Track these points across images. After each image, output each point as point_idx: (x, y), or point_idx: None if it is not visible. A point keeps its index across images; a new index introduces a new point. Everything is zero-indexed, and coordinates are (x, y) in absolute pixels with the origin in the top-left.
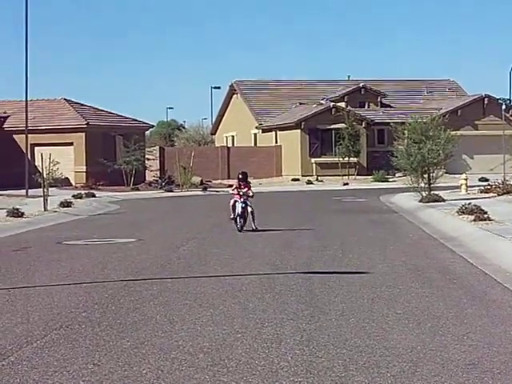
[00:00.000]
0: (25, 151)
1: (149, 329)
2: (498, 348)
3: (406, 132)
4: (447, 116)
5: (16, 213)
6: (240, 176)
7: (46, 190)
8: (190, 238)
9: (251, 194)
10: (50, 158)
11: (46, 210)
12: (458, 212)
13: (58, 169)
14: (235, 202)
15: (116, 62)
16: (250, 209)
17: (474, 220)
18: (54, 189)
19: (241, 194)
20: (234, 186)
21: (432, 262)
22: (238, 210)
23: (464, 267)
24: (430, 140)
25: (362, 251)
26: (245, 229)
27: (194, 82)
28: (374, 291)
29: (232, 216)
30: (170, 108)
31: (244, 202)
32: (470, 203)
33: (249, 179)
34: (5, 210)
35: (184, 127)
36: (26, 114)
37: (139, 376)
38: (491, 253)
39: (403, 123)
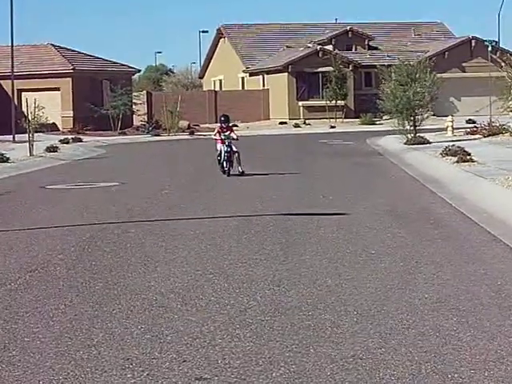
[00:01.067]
0: (11, 97)
1: (123, 271)
2: (467, 286)
3: (392, 74)
4: (434, 58)
5: (1, 158)
6: (222, 119)
7: (31, 136)
8: (173, 182)
9: (235, 136)
10: (35, 103)
11: (31, 155)
12: (441, 154)
13: (43, 114)
14: (220, 147)
15: (104, 6)
16: (235, 152)
17: (457, 161)
18: (41, 134)
19: (223, 138)
20: (216, 131)
21: (411, 203)
22: (223, 154)
23: (442, 208)
24: (416, 82)
25: (342, 193)
26: (231, 173)
27: (182, 26)
28: (351, 231)
29: (218, 159)
30: (158, 52)
31: (228, 146)
32: (453, 145)
33: (234, 122)
34: None
35: (173, 72)
36: (12, 60)
37: (109, 315)
38: (471, 194)
39: (390, 66)
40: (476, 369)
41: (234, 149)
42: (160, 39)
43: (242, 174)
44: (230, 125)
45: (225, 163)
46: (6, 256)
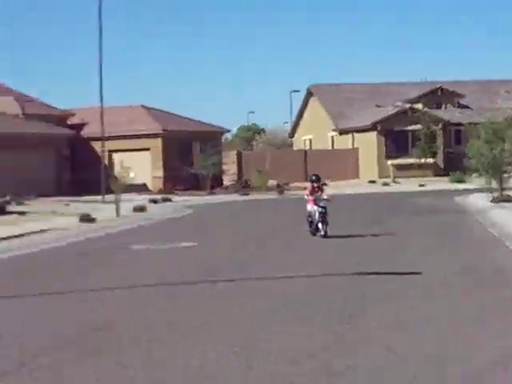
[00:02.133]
0: (102, 157)
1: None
2: None
3: (482, 132)
4: None
5: (87, 218)
6: (313, 178)
7: (118, 196)
8: (255, 241)
9: (325, 197)
10: (121, 164)
11: (118, 215)
12: None
13: (128, 174)
14: (311, 208)
15: (195, 68)
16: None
17: None
18: (132, 194)
19: (316, 198)
20: (308, 191)
21: (488, 262)
22: (317, 216)
23: None
24: (503, 140)
25: (422, 252)
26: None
27: (275, 86)
28: (423, 290)
29: (310, 220)
30: (251, 112)
31: (323, 207)
32: None
33: (324, 181)
34: (77, 216)
35: (264, 131)
36: (102, 120)
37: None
38: None
39: (478, 124)
40: None
41: (325, 211)
42: (253, 99)
43: (325, 235)
44: (321, 184)
45: (320, 225)
46: (85, 315)
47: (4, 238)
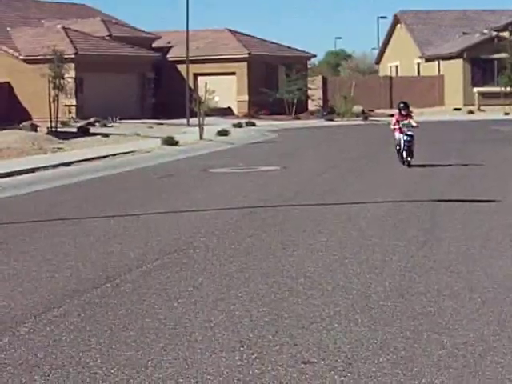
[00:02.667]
0: (187, 80)
1: (260, 254)
2: None
3: None
4: None
5: (170, 141)
6: (401, 105)
7: (201, 119)
8: (334, 167)
9: (414, 124)
10: (205, 87)
11: (201, 138)
12: None
13: (213, 97)
14: (398, 135)
15: None
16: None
17: None
18: (217, 118)
19: (402, 126)
20: (395, 119)
21: None
22: (402, 144)
23: None
24: None
25: (501, 180)
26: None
27: (362, 12)
28: (497, 219)
29: (397, 149)
30: (338, 38)
31: (409, 135)
32: None
33: (410, 109)
34: (160, 139)
35: (350, 57)
36: (187, 44)
37: (234, 298)
38: None
39: None
40: None
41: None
42: (341, 25)
43: (409, 165)
44: (410, 112)
45: (404, 153)
46: (151, 238)
47: (87, 160)
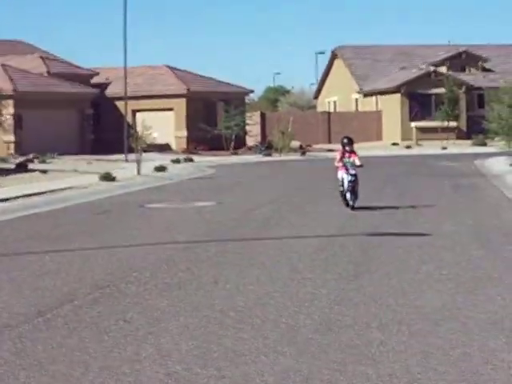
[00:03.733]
0: (125, 116)
1: (191, 288)
2: None
3: (503, 96)
4: None
5: (108, 177)
6: (345, 141)
7: (139, 155)
8: (270, 202)
9: (358, 162)
10: (142, 123)
11: (139, 174)
12: None
13: (150, 133)
14: (341, 175)
15: (223, 31)
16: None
17: None
18: (156, 153)
19: (347, 164)
20: (339, 156)
21: (499, 225)
22: (346, 184)
23: None
24: None
25: (434, 214)
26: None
27: (301, 48)
28: (429, 253)
29: (341, 190)
30: (277, 73)
31: (353, 175)
32: None
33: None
34: (98, 175)
35: (289, 92)
36: (125, 80)
37: (164, 332)
38: None
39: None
40: None
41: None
42: (280, 60)
43: (353, 208)
44: (351, 148)
45: (348, 194)
46: (84, 273)
47: (24, 196)
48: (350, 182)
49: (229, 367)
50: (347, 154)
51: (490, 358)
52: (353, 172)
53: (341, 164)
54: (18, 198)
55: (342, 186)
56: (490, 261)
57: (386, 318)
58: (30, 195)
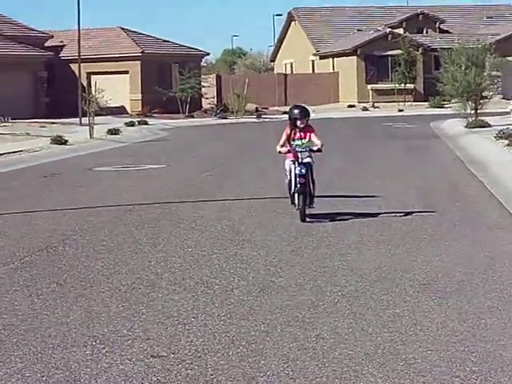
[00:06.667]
0: (79, 79)
1: (129, 250)
2: (465, 268)
3: (457, 57)
4: (501, 41)
5: (59, 140)
6: (296, 111)
7: (92, 118)
8: (220, 165)
9: (318, 144)
10: (95, 86)
11: (91, 137)
12: (495, 137)
13: (103, 96)
14: (288, 165)
15: None
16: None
17: (508, 145)
18: (110, 117)
19: (298, 149)
20: (285, 136)
21: (447, 185)
22: (293, 179)
23: (476, 191)
24: (477, 66)
25: (385, 176)
26: None
27: (259, 9)
28: (371, 215)
29: (289, 187)
30: (235, 36)
31: (303, 164)
32: (508, 128)
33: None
34: (49, 138)
35: (245, 55)
36: (79, 42)
37: (95, 294)
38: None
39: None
40: (433, 350)
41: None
42: (237, 22)
43: (303, 218)
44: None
45: (296, 197)
46: (23, 236)
47: None
48: (300, 175)
49: (156, 329)
50: (298, 134)
51: (420, 319)
52: (306, 160)
53: (286, 149)
54: None
55: (290, 182)
56: (433, 222)
57: (321, 280)
58: None
